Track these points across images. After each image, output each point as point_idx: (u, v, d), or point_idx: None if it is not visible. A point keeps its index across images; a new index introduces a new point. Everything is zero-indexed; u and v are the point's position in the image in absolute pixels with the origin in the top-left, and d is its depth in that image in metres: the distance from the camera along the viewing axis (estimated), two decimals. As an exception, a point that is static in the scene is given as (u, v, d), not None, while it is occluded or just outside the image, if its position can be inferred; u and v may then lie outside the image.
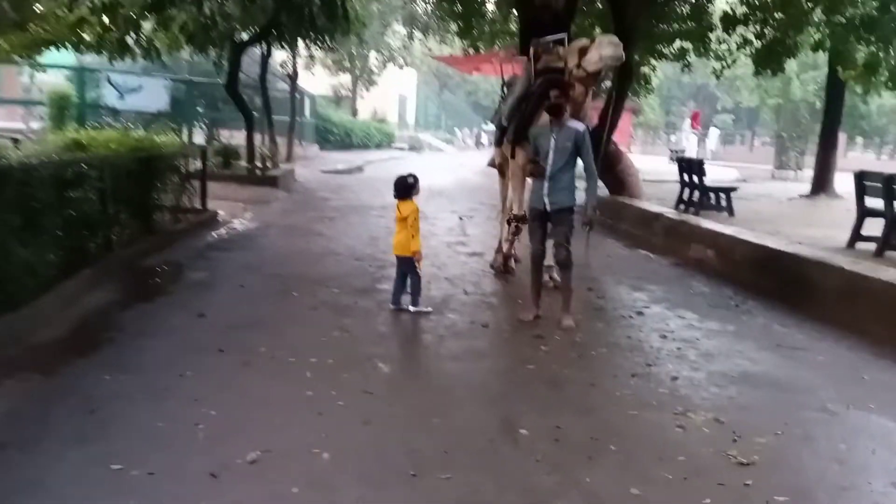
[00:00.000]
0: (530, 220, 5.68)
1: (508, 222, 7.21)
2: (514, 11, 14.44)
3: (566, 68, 6.62)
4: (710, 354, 4.99)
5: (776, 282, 7.02)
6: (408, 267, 5.79)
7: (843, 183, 15.01)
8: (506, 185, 8.11)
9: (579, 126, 5.52)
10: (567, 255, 5.46)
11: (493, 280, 7.29)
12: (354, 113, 34.61)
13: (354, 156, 27.17)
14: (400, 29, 32.04)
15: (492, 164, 8.36)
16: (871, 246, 7.92)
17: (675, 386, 4.30)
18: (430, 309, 5.80)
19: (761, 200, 13.97)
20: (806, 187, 15.52)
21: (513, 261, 7.55)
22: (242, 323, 5.33)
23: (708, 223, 9.42)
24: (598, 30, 11.84)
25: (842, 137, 23.70)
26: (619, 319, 5.87)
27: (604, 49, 5.94)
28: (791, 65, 16.76)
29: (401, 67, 36.10)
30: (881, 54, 10.14)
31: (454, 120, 52.38)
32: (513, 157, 6.91)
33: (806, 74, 21.84)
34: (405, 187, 5.77)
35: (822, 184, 13.60)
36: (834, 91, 12.70)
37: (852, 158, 25.42)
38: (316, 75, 28.94)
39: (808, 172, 20.24)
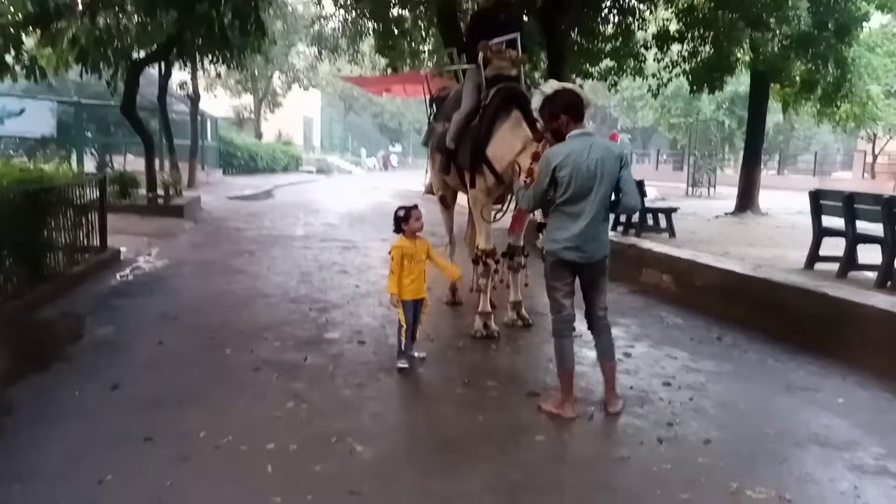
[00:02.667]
0: (556, 272, 4.09)
1: (475, 261, 6.11)
2: (435, 28, 13.86)
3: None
4: (727, 405, 4.39)
5: (749, 309, 6.60)
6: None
7: (765, 200, 15.24)
8: (450, 216, 7.36)
9: (611, 143, 4.63)
10: (608, 321, 4.26)
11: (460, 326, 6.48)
12: (259, 135, 33.12)
13: (261, 180, 25.84)
14: (304, 49, 30.98)
15: (429, 191, 7.58)
16: (830, 266, 7.67)
17: (712, 452, 3.65)
18: (405, 365, 4.92)
19: (688, 219, 13.85)
20: (724, 204, 15.63)
21: (492, 319, 5.90)
22: (169, 396, 4.31)
23: (658, 246, 9.02)
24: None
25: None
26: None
27: None
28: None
29: (305, 89, 34.92)
30: (819, 71, 10.16)
31: (360, 142, 51.42)
32: (472, 185, 6.02)
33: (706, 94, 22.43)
34: (394, 221, 5.06)
35: (746, 201, 13.64)
36: (756, 109, 12.79)
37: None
38: (217, 96, 27.44)
39: (721, 189, 20.72)
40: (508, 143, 5.60)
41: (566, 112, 4.08)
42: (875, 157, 23.93)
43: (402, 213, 4.98)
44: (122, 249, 9.19)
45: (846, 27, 9.86)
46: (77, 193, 7.94)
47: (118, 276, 8.05)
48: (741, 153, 25.30)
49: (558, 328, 4.13)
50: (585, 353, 5.03)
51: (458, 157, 6.13)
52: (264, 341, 5.53)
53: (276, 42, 17.93)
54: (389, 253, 4.94)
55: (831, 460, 3.61)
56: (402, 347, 4.96)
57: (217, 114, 27.50)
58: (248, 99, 32.57)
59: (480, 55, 5.94)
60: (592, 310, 4.18)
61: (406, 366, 4.90)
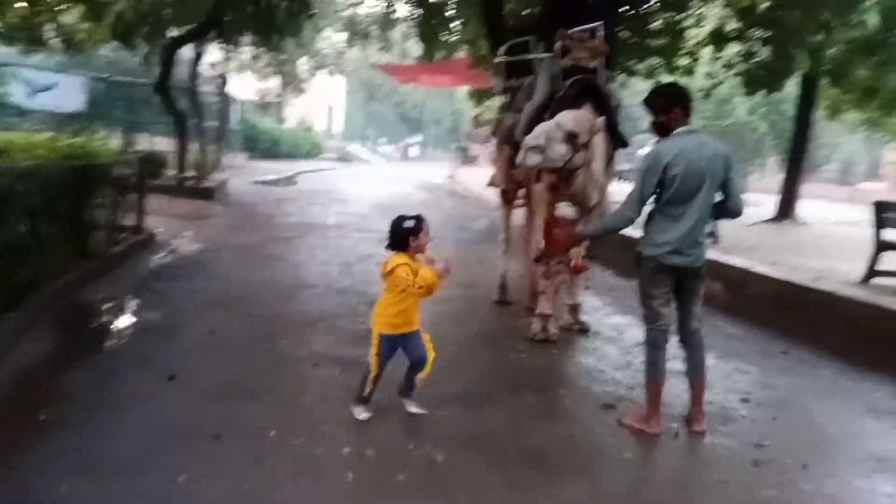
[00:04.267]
0: (656, 278, 3.83)
1: (537, 260, 5.80)
2: (476, 17, 13.56)
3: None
4: (813, 426, 4.20)
5: (812, 323, 6.35)
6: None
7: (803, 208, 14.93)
8: (509, 212, 7.11)
9: (718, 143, 4.10)
10: (702, 334, 4.01)
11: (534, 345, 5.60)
12: (282, 121, 32.93)
13: (283, 166, 25.63)
14: (331, 35, 30.74)
15: (492, 184, 7.32)
16: (887, 281, 7.42)
17: (813, 478, 3.43)
18: (367, 416, 3.82)
19: (725, 225, 13.55)
20: (757, 211, 15.31)
21: (552, 323, 5.59)
22: (230, 389, 4.13)
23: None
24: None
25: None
26: (681, 376, 4.98)
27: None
28: (731, 88, 16.51)
29: (332, 75, 34.68)
30: (880, 78, 9.87)
31: (381, 130, 51.18)
32: (537, 179, 5.79)
33: (742, 97, 22.00)
34: (397, 235, 3.83)
35: (786, 209, 13.35)
36: (804, 115, 12.50)
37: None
38: (244, 79, 27.29)
39: (751, 196, 20.38)
40: None
41: (681, 104, 3.85)
42: (909, 169, 23.55)
43: (410, 223, 3.79)
44: (159, 230, 9.04)
45: (916, 33, 9.58)
46: (119, 172, 7.79)
47: (156, 258, 7.90)
48: (769, 159, 25.18)
49: (654, 338, 3.90)
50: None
51: None
52: (318, 334, 5.35)
53: (315, 25, 17.67)
54: (387, 273, 3.78)
55: (939, 494, 3.39)
56: (364, 392, 3.82)
57: (242, 97, 27.34)
58: (274, 83, 32.36)
59: (558, 43, 5.66)
60: (688, 320, 3.96)
61: (366, 417, 3.78)
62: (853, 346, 5.76)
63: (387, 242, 3.85)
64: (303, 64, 31.20)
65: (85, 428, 3.52)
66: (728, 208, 3.90)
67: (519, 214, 7.10)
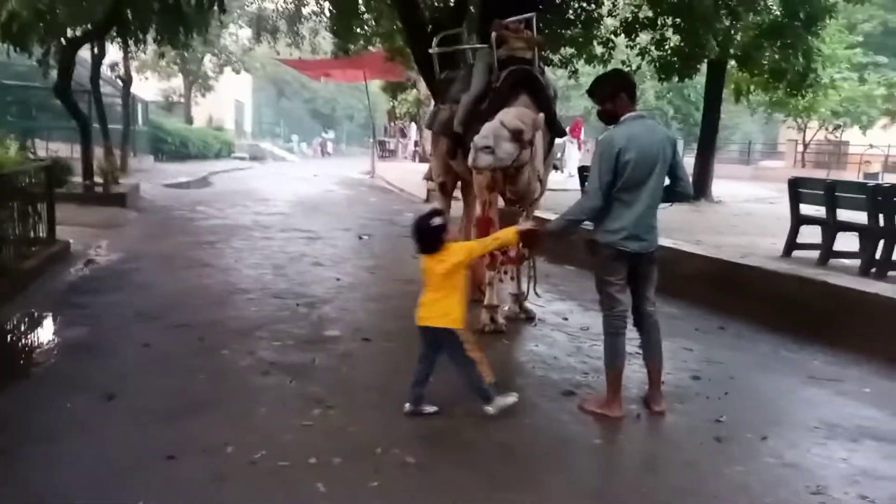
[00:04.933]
0: (612, 265, 3.83)
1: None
2: (389, 9, 13.41)
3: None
4: (763, 398, 4.33)
5: (743, 298, 6.58)
6: (449, 345, 3.74)
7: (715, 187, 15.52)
8: (448, 205, 7.01)
9: (663, 128, 4.24)
10: (656, 317, 4.04)
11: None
12: (190, 120, 31.75)
13: (194, 167, 24.71)
14: (237, 31, 29.86)
15: (429, 177, 7.22)
16: (806, 254, 7.79)
17: (776, 451, 3.52)
18: (514, 396, 3.87)
19: (643, 207, 13.96)
20: (670, 192, 15.81)
21: (498, 313, 5.64)
22: (176, 406, 3.89)
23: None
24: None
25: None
26: (632, 358, 5.03)
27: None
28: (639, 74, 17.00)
29: (237, 72, 33.66)
30: (786, 61, 10.33)
31: (292, 127, 50.15)
32: (478, 171, 5.75)
33: (649, 83, 22.68)
34: (431, 235, 3.73)
35: (702, 189, 13.84)
36: (712, 98, 12.98)
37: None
38: (148, 79, 26.12)
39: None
40: None
41: (626, 90, 3.85)
42: (806, 147, 24.88)
43: (438, 220, 3.72)
44: (72, 241, 8.50)
45: (815, 17, 10.08)
46: (26, 181, 7.26)
47: (73, 271, 7.41)
48: (680, 142, 26.11)
49: (613, 325, 3.90)
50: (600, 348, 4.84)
51: (466, 142, 5.79)
52: (261, 340, 5.12)
53: (220, 21, 17.05)
54: (449, 270, 3.68)
55: (891, 455, 3.54)
56: (484, 385, 3.72)
57: (147, 97, 26.18)
58: (177, 82, 31.15)
59: (493, 34, 5.61)
60: (643, 305, 3.99)
61: (514, 399, 3.81)
62: (785, 318, 5.99)
63: (417, 247, 3.78)
64: (208, 62, 30.16)
65: (23, 461, 3.22)
66: (678, 192, 3.97)
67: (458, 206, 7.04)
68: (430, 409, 3.81)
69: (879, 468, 3.39)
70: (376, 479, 3.10)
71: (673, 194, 3.96)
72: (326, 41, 19.17)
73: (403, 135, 30.86)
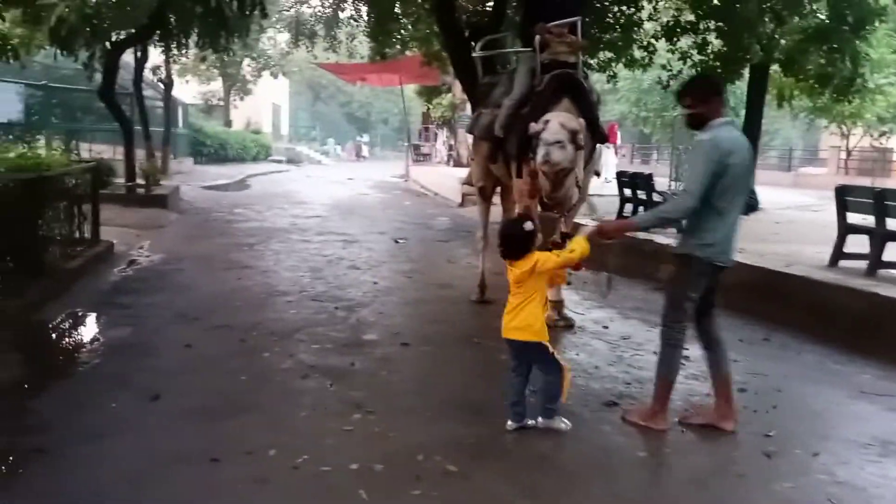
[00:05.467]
0: (700, 279, 3.68)
1: None
2: (427, 14, 13.42)
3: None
4: (812, 412, 4.22)
5: (787, 309, 6.43)
6: (537, 358, 3.68)
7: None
8: (488, 209, 6.95)
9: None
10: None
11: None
12: (228, 123, 32.19)
13: (233, 169, 25.07)
14: (275, 35, 30.20)
15: (468, 181, 7.19)
16: (853, 264, 7.59)
17: (825, 468, 3.42)
18: (566, 424, 3.72)
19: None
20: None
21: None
22: (220, 407, 3.92)
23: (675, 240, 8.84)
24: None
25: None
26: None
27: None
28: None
29: (275, 76, 34.06)
30: (832, 66, 10.09)
31: (327, 131, 50.60)
32: (518, 175, 5.66)
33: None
34: (521, 241, 3.65)
35: (742, 196, 13.58)
36: (754, 103, 12.74)
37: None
38: (188, 82, 26.57)
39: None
40: None
41: (718, 95, 3.77)
42: (849, 154, 24.30)
43: (529, 225, 3.64)
44: (114, 242, 8.65)
45: (863, 21, 9.82)
46: (73, 183, 7.42)
47: (116, 272, 7.56)
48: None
49: (675, 337, 3.76)
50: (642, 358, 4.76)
51: (507, 146, 5.77)
52: (301, 343, 5.15)
53: (259, 26, 17.27)
54: (527, 271, 3.59)
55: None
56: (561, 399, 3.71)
57: (186, 100, 26.64)
58: (216, 85, 31.63)
59: (537, 38, 5.56)
60: (712, 317, 3.89)
61: (567, 425, 3.69)
62: (832, 330, 5.84)
63: (505, 251, 3.68)
64: (247, 65, 30.58)
65: (66, 459, 3.27)
66: (748, 203, 3.84)
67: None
68: (532, 422, 3.69)
69: (937, 488, 3.27)
70: (418, 486, 3.07)
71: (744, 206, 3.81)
72: (363, 45, 19.25)
73: (437, 139, 30.90)
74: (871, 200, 7.37)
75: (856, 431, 3.91)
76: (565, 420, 3.72)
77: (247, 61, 30.43)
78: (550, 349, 3.66)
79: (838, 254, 7.77)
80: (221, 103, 32.99)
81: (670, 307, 3.81)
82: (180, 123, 23.58)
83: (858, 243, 7.75)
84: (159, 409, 3.88)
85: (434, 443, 3.52)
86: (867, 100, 12.29)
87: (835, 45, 9.89)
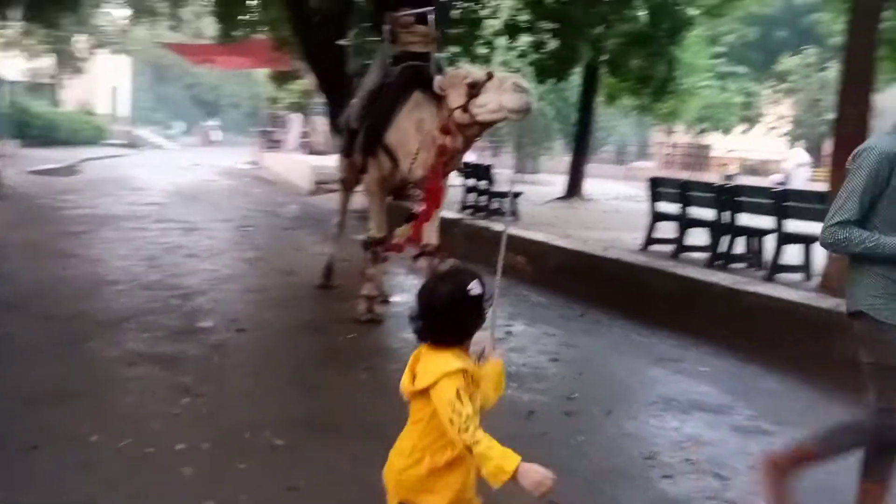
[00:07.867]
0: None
1: (365, 246, 5.69)
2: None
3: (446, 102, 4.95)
4: (613, 378, 4.76)
5: (603, 288, 7.06)
6: None
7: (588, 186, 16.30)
8: (346, 201, 6.92)
9: None
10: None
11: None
12: (58, 104, 29.81)
13: (63, 153, 23.28)
14: (112, 11, 28.28)
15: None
16: (662, 247, 8.43)
17: (617, 423, 3.90)
18: None
19: (521, 204, 14.52)
20: (549, 190, 16.53)
21: (378, 303, 5.70)
22: (40, 396, 3.82)
23: (511, 229, 9.37)
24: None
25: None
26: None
27: (506, 97, 4.51)
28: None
29: (114, 54, 31.90)
30: (651, 68, 11.05)
31: (172, 114, 48.09)
32: (363, 170, 5.64)
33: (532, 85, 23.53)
34: (454, 312, 1.96)
35: (575, 187, 14.56)
36: (587, 101, 13.68)
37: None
38: (11, 58, 24.35)
39: (543, 177, 21.89)
40: (404, 129, 5.27)
41: None
42: (674, 149, 26.57)
43: (476, 287, 1.94)
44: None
45: (678, 29, 10.87)
46: None
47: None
48: (556, 142, 27.24)
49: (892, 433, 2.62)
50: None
51: (358, 140, 5.67)
52: (129, 332, 5.05)
53: None
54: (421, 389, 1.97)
55: (715, 424, 4.01)
56: None
57: (10, 77, 24.45)
58: (45, 62, 29.15)
59: (387, 29, 5.52)
60: None
61: None
62: (640, 306, 6.51)
63: (420, 325, 1.99)
64: (80, 42, 28.45)
65: None
66: None
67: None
68: None
69: (704, 435, 3.83)
70: (243, 461, 3.20)
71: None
72: (211, 26, 18.55)
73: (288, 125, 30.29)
74: (677, 190, 8.24)
75: (646, 392, 4.48)
76: None
77: (81, 37, 28.29)
78: None
79: (649, 239, 8.62)
80: (52, 82, 30.48)
81: (880, 391, 2.63)
82: (4, 103, 21.63)
83: (670, 229, 8.64)
84: (-29, 401, 3.72)
85: (264, 420, 3.65)
86: (682, 100, 13.62)
87: (653, 50, 10.88)
